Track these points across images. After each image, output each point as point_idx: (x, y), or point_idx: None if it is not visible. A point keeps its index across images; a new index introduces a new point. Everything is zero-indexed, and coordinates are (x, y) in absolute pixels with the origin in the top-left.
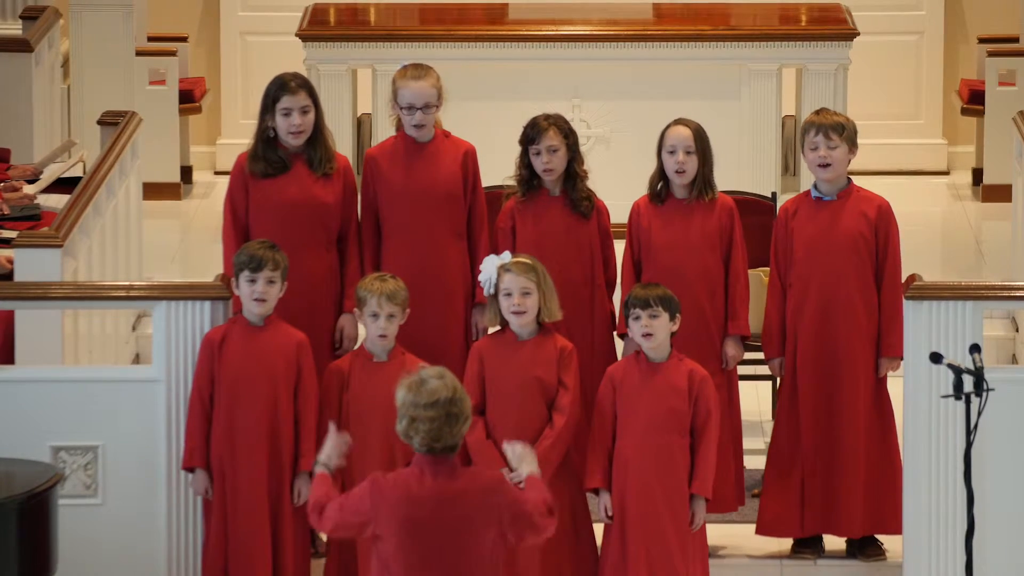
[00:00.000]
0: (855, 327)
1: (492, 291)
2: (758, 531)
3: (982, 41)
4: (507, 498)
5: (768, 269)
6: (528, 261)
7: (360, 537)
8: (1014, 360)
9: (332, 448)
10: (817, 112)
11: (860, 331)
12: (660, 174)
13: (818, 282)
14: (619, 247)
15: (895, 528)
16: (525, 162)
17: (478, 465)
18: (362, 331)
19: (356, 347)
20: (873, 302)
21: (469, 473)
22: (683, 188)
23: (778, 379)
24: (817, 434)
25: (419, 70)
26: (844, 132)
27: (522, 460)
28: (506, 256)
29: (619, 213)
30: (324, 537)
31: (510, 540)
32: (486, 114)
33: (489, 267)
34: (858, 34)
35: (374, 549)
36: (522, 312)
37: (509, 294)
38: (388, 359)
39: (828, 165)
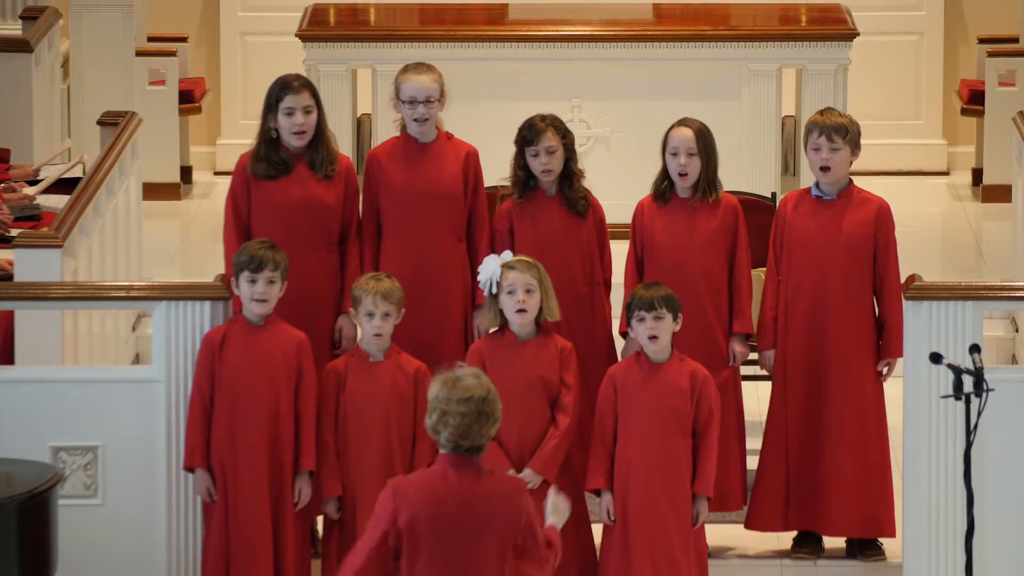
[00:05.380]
0: (845, 327)
1: (493, 291)
2: (746, 525)
3: (982, 41)
4: (527, 507)
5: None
6: (530, 260)
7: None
8: (1014, 360)
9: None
10: (821, 112)
11: (850, 331)
12: (664, 174)
13: (811, 280)
14: (620, 247)
15: (888, 531)
16: (521, 163)
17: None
18: (359, 331)
19: (352, 347)
20: (866, 303)
21: (493, 475)
22: (687, 189)
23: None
24: (805, 431)
25: (421, 66)
26: (847, 135)
27: (555, 511)
28: (507, 255)
29: (619, 213)
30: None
31: (517, 549)
32: (486, 115)
33: (491, 266)
34: (858, 34)
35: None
36: (525, 310)
37: (512, 292)
38: (384, 359)
39: (829, 168)
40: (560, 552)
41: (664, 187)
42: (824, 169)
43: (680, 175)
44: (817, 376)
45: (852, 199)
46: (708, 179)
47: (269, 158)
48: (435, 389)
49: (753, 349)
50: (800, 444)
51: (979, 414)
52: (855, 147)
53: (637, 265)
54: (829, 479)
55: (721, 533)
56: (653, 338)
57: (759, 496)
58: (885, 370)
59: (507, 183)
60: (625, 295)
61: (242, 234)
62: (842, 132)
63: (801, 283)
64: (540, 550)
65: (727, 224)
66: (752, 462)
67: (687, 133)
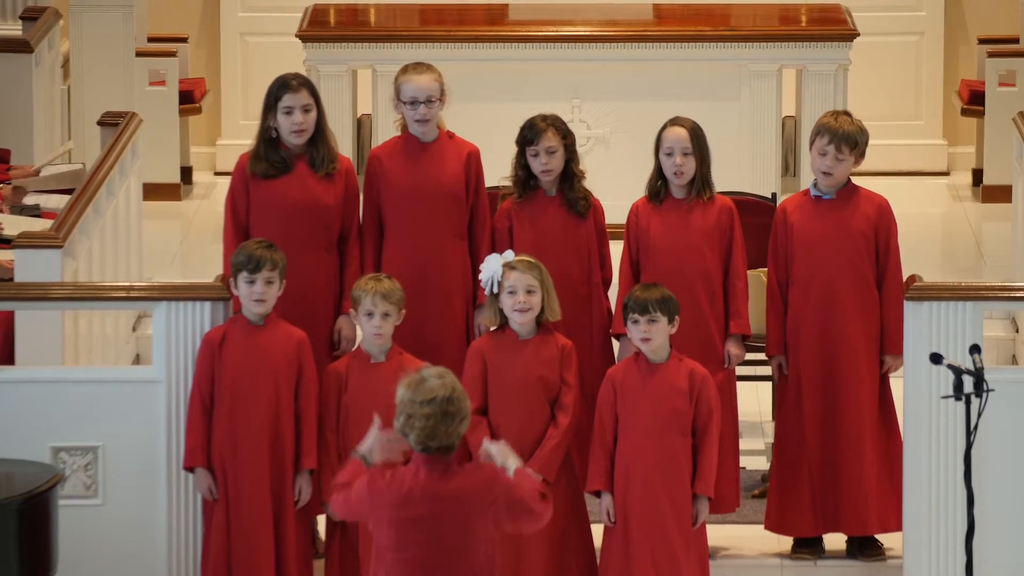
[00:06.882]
0: (856, 325)
1: (494, 290)
2: (767, 527)
3: (982, 42)
4: (502, 488)
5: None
6: (532, 260)
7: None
8: (1014, 360)
9: (374, 442)
10: (835, 116)
11: (861, 329)
12: (658, 173)
13: (819, 280)
14: (618, 247)
15: (897, 525)
16: (522, 163)
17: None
18: (360, 333)
19: (354, 349)
20: (873, 300)
21: (464, 471)
22: (681, 188)
23: (776, 378)
24: (822, 432)
25: (421, 66)
26: (856, 147)
27: (506, 456)
28: (509, 255)
29: (619, 214)
30: (323, 537)
31: (506, 529)
32: (486, 115)
33: (493, 265)
34: (858, 35)
35: (373, 543)
36: (526, 310)
37: (513, 292)
38: (385, 359)
39: (830, 175)
40: (551, 496)
41: (658, 187)
42: (825, 174)
43: (675, 174)
44: (831, 377)
45: (852, 197)
46: (702, 178)
47: (269, 157)
48: (401, 392)
49: (749, 350)
50: (818, 445)
51: (979, 414)
52: (860, 156)
53: (632, 266)
54: (849, 478)
55: (721, 533)
56: (646, 340)
57: (780, 500)
58: (890, 365)
59: (508, 183)
60: (619, 296)
61: (241, 234)
62: (851, 143)
63: (809, 286)
64: (532, 507)
65: (723, 225)
66: (750, 462)
67: (681, 133)
